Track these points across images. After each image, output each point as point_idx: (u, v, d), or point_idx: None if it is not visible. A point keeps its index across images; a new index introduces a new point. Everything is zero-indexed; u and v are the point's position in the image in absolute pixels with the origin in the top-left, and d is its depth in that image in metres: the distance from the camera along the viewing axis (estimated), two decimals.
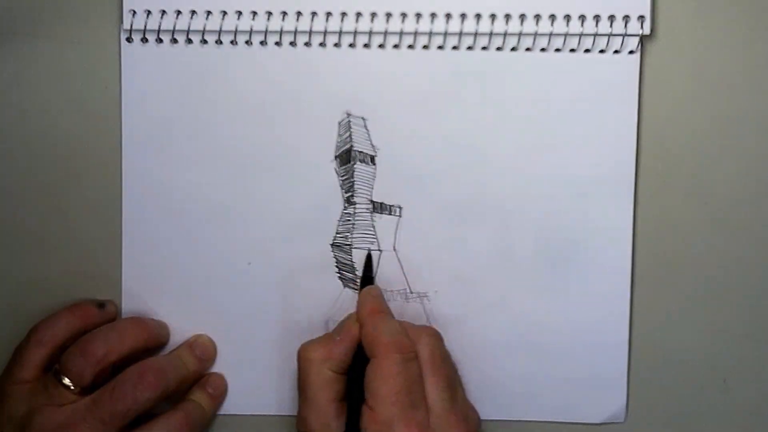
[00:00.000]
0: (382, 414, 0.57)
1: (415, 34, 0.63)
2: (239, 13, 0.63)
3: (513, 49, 0.63)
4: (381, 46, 0.63)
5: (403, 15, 0.63)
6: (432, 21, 0.63)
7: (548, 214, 0.64)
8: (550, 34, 0.63)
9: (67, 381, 0.60)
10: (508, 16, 0.63)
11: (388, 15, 0.63)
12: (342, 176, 0.64)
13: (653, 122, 0.64)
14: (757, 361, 0.65)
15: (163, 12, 0.63)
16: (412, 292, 0.65)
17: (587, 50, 0.63)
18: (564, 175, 0.64)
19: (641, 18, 0.62)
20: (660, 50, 0.64)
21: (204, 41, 0.64)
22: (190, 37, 0.64)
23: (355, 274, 0.65)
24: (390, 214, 0.65)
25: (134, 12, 0.63)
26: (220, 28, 0.63)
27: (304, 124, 0.64)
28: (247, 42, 0.63)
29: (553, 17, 0.63)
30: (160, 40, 0.64)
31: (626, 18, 0.62)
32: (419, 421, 0.58)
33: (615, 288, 0.65)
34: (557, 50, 0.63)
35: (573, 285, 0.65)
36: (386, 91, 0.64)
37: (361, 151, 0.64)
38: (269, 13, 0.63)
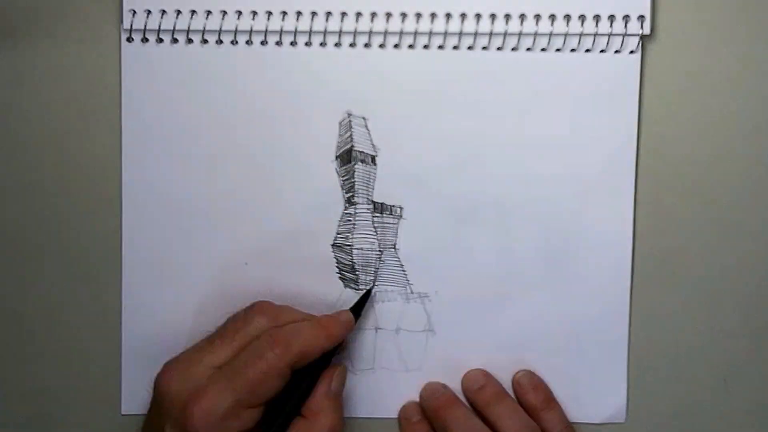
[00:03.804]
0: None
1: (415, 34, 0.63)
2: (239, 12, 0.63)
3: (513, 49, 0.63)
4: (381, 46, 0.63)
5: (403, 15, 0.63)
6: (432, 21, 0.63)
7: (548, 214, 0.64)
8: (550, 34, 0.63)
9: None
10: (508, 16, 0.63)
11: (388, 15, 0.63)
12: (343, 176, 0.64)
13: (653, 122, 0.64)
14: (757, 361, 0.65)
15: (163, 12, 0.63)
16: (413, 293, 0.65)
17: (587, 50, 0.63)
18: (564, 175, 0.64)
19: (641, 18, 0.63)
20: (660, 50, 0.64)
21: (204, 41, 0.64)
22: (190, 36, 0.64)
23: (356, 275, 0.65)
24: (391, 214, 0.65)
25: (134, 12, 0.63)
26: (221, 28, 0.63)
27: (304, 124, 0.64)
28: (247, 42, 0.63)
29: (553, 17, 0.63)
30: (160, 40, 0.64)
31: (626, 18, 0.63)
32: None
33: (615, 288, 0.65)
34: (557, 50, 0.63)
35: (573, 285, 0.65)
36: (387, 91, 0.64)
37: (361, 151, 0.64)
38: (269, 13, 0.63)
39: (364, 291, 0.64)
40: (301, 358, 0.59)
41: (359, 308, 0.64)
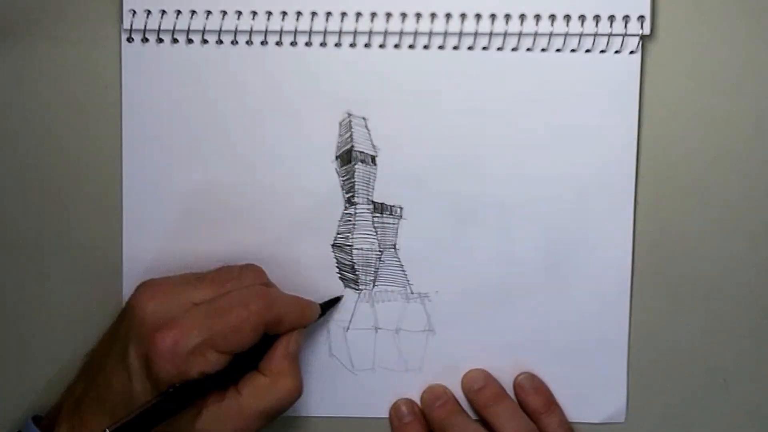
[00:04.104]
0: None
1: (415, 34, 0.63)
2: (239, 12, 0.63)
3: (513, 49, 0.63)
4: (381, 46, 0.63)
5: (403, 15, 0.63)
6: (432, 21, 0.63)
7: (549, 214, 0.64)
8: (550, 34, 0.63)
9: None
10: (508, 16, 0.63)
11: (388, 15, 0.63)
12: (343, 176, 0.64)
13: (653, 122, 0.64)
14: (757, 361, 0.65)
15: (163, 12, 0.63)
16: (413, 293, 0.65)
17: (587, 50, 0.63)
18: (564, 175, 0.64)
19: (641, 18, 0.63)
20: (660, 50, 0.64)
21: (204, 41, 0.64)
22: (190, 36, 0.63)
23: (356, 275, 0.65)
24: (391, 214, 0.65)
25: (134, 12, 0.63)
26: (221, 28, 0.63)
27: (304, 124, 0.64)
28: (247, 42, 0.63)
29: (553, 17, 0.63)
30: (160, 40, 0.64)
31: (626, 18, 0.63)
32: None
33: (615, 288, 0.65)
34: (557, 50, 0.63)
35: (573, 285, 0.65)
36: (387, 91, 0.64)
37: (361, 152, 0.64)
38: (269, 13, 0.63)
39: (337, 296, 0.65)
40: (278, 323, 0.59)
41: (326, 308, 0.64)
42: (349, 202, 0.64)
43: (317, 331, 0.65)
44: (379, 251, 0.65)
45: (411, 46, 0.63)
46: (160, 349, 0.56)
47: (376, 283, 0.65)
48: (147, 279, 0.60)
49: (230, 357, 0.57)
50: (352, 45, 0.63)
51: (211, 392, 0.58)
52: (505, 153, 0.64)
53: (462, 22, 0.63)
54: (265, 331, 0.59)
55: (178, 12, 0.63)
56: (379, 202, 0.65)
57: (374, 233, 0.65)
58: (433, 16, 0.63)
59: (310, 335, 0.64)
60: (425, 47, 0.63)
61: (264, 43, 0.63)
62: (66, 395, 0.61)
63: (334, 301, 0.65)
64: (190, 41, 0.64)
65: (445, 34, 0.63)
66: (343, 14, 0.63)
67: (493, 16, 0.63)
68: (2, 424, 0.66)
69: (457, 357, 0.65)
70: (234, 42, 0.63)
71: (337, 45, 0.63)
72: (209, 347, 0.56)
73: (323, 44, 0.63)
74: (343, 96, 0.64)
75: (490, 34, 0.63)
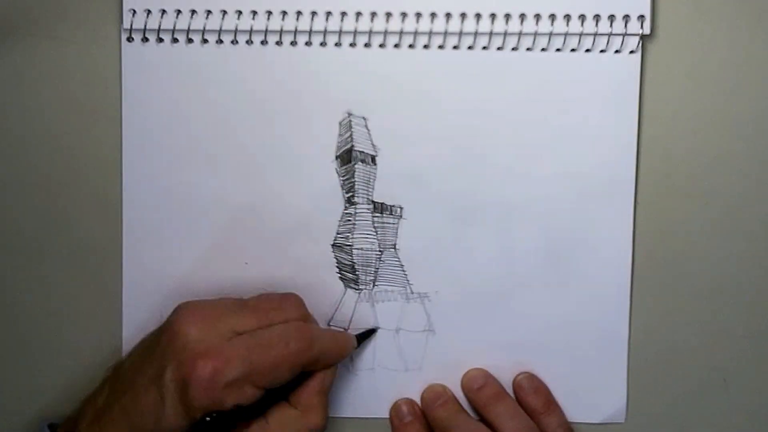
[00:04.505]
0: None
1: (415, 34, 0.63)
2: (239, 12, 0.63)
3: (513, 49, 0.63)
4: (381, 45, 0.63)
5: (403, 15, 0.63)
6: (432, 21, 0.63)
7: (548, 214, 0.64)
8: (550, 34, 0.63)
9: None
10: (508, 16, 0.63)
11: (388, 15, 0.63)
12: (343, 176, 0.64)
13: (653, 122, 0.64)
14: (757, 361, 0.65)
15: (163, 12, 0.63)
16: (413, 293, 0.65)
17: (587, 50, 0.63)
18: (564, 175, 0.64)
19: (641, 18, 0.63)
20: (660, 50, 0.64)
21: (204, 41, 0.64)
22: (190, 36, 0.63)
23: (356, 275, 0.65)
24: (391, 214, 0.65)
25: (134, 11, 0.63)
26: (221, 28, 0.63)
27: (304, 124, 0.64)
28: (247, 42, 0.63)
29: (553, 17, 0.63)
30: (160, 40, 0.64)
31: (626, 18, 0.63)
32: None
33: (615, 288, 0.65)
34: (557, 50, 0.63)
35: (573, 285, 0.65)
36: (387, 91, 0.64)
37: (361, 151, 0.64)
38: (269, 13, 0.63)
39: (372, 328, 0.65)
40: (315, 362, 0.59)
41: (362, 339, 0.65)
42: (349, 201, 0.64)
43: None
44: (379, 251, 0.65)
45: (411, 46, 0.63)
46: (199, 376, 0.56)
47: (376, 283, 0.65)
48: (187, 300, 0.60)
49: (263, 392, 0.58)
50: (352, 45, 0.63)
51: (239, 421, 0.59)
52: (505, 153, 0.64)
53: (462, 22, 0.63)
54: (302, 370, 0.59)
55: (178, 12, 0.63)
56: (379, 202, 0.65)
57: (374, 233, 0.65)
58: (433, 16, 0.63)
59: None
60: (425, 47, 0.63)
61: (264, 42, 0.63)
62: (86, 404, 0.60)
63: (369, 333, 0.65)
64: (190, 41, 0.64)
65: (445, 34, 0.63)
66: (343, 14, 0.63)
67: (493, 16, 0.63)
68: (2, 424, 0.66)
69: (457, 357, 0.65)
70: (234, 42, 0.63)
71: (337, 45, 0.63)
72: (247, 381, 0.56)
73: (323, 44, 0.63)
74: (343, 96, 0.64)
75: (490, 34, 0.63)
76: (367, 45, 0.63)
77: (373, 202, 0.65)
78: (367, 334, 0.65)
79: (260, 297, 0.61)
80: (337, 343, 0.61)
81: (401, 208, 0.65)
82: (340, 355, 0.62)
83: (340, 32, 0.63)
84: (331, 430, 0.66)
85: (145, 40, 0.64)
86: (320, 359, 0.59)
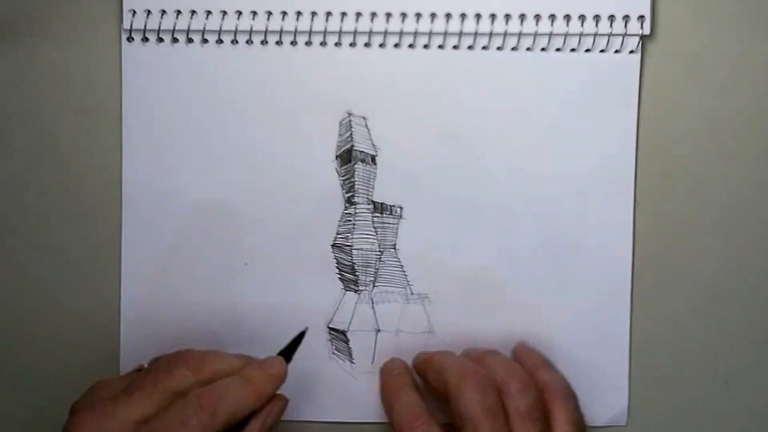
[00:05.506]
0: None
1: (415, 34, 0.63)
2: (239, 12, 0.63)
3: (513, 49, 0.63)
4: (381, 45, 0.63)
5: (403, 15, 0.63)
6: (432, 21, 0.63)
7: (548, 214, 0.64)
8: (550, 34, 0.63)
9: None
10: (508, 16, 0.63)
11: (388, 15, 0.63)
12: (343, 176, 0.64)
13: (653, 122, 0.64)
14: (759, 363, 0.65)
15: (163, 12, 0.63)
16: (413, 293, 0.65)
17: (587, 50, 0.63)
18: (564, 175, 0.64)
19: (641, 18, 0.63)
20: (660, 50, 0.64)
21: (204, 41, 0.64)
22: (190, 36, 0.64)
23: (356, 275, 0.65)
24: (391, 214, 0.64)
25: (134, 12, 0.63)
26: (221, 28, 0.63)
27: (304, 124, 0.64)
28: (247, 42, 0.63)
29: (553, 17, 0.63)
30: (160, 40, 0.64)
31: (626, 18, 0.63)
32: None
33: (615, 288, 0.64)
34: (557, 50, 0.63)
35: (573, 285, 0.64)
36: (386, 90, 0.64)
37: (361, 151, 0.64)
38: (269, 13, 0.63)
39: (300, 332, 0.61)
40: (227, 423, 0.55)
41: (291, 351, 0.61)
42: (349, 201, 0.64)
43: (317, 334, 0.65)
44: (379, 251, 0.65)
45: (411, 46, 0.64)
46: None
47: (376, 284, 0.65)
48: (79, 398, 0.57)
49: None
50: (352, 45, 0.63)
51: None
52: (504, 153, 0.64)
53: (462, 22, 0.63)
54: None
55: (178, 12, 0.63)
56: (379, 202, 0.64)
57: (374, 233, 0.65)
58: (433, 16, 0.63)
59: (309, 338, 0.63)
60: (425, 47, 0.64)
61: (264, 42, 0.64)
62: None
63: (298, 340, 0.61)
64: (190, 41, 0.64)
65: (445, 34, 0.63)
66: (343, 14, 0.63)
67: (493, 16, 0.63)
68: (2, 424, 0.65)
69: None
70: (234, 42, 0.64)
71: (337, 45, 0.63)
72: None
73: (323, 44, 0.63)
74: (343, 96, 0.64)
75: (490, 34, 0.63)
76: (367, 45, 0.63)
77: (373, 202, 0.64)
78: (295, 344, 0.61)
79: (149, 368, 0.57)
80: (251, 388, 0.57)
81: (401, 208, 0.64)
82: (260, 398, 0.57)
83: (340, 32, 0.63)
84: None
85: (145, 40, 0.64)
86: (234, 416, 0.55)
